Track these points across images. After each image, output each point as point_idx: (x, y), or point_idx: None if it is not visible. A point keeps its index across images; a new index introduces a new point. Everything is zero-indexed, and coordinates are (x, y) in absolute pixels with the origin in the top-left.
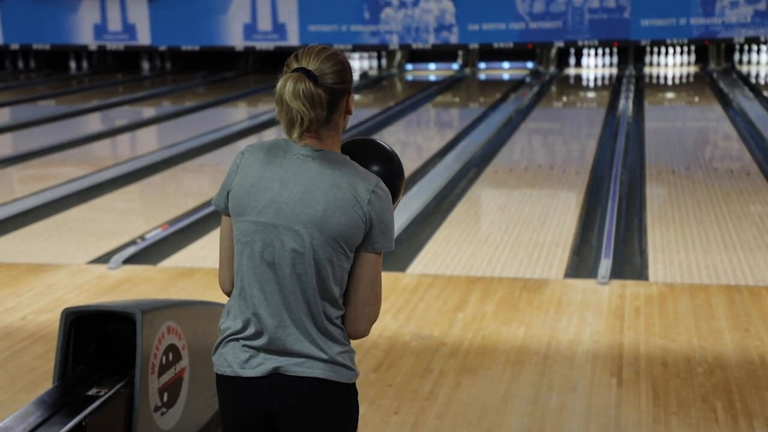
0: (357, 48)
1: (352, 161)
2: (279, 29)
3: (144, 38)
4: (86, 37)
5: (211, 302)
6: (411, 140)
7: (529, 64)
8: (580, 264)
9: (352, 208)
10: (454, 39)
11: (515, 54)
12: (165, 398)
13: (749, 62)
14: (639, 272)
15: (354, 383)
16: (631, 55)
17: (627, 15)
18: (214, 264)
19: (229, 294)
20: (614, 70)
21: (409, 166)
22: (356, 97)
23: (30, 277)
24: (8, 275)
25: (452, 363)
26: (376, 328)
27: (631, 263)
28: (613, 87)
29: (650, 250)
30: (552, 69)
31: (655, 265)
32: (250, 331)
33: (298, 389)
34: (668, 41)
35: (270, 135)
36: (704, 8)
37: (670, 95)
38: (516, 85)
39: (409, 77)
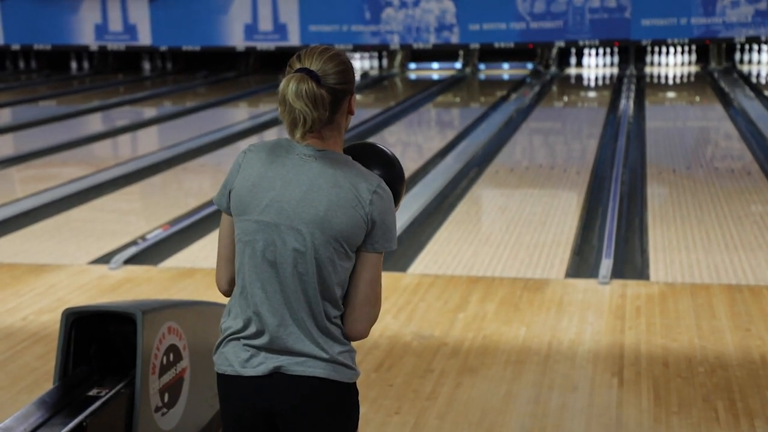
0: (358, 48)
1: (354, 161)
2: (280, 29)
3: (145, 38)
4: (87, 38)
5: (211, 302)
6: (412, 140)
7: (529, 65)
8: (581, 264)
9: (354, 208)
10: (454, 39)
11: (516, 54)
12: (166, 398)
13: (750, 62)
14: (640, 272)
15: (355, 383)
16: (631, 54)
17: (628, 15)
18: (215, 264)
19: (225, 292)
20: (615, 70)
21: (409, 166)
22: (357, 97)
23: (31, 278)
24: (9, 275)
25: (453, 363)
26: (377, 329)
27: (632, 263)
28: (614, 87)
29: (651, 249)
30: (553, 69)
31: (656, 264)
32: (251, 330)
33: (299, 388)
34: (669, 41)
35: (271, 135)
36: (705, 8)
37: (671, 95)
38: (517, 84)
39: (412, 76)
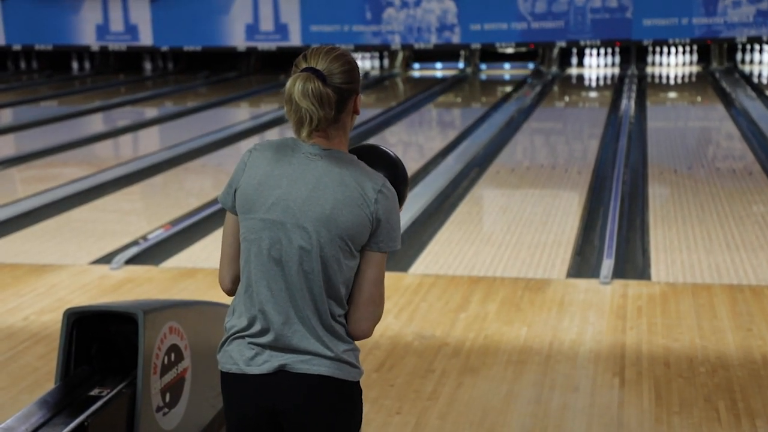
0: (359, 48)
1: (359, 161)
2: (281, 29)
3: (146, 39)
4: (88, 38)
5: (213, 302)
6: (413, 140)
7: (530, 65)
8: (583, 264)
9: (360, 207)
10: (456, 39)
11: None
12: (167, 398)
13: (751, 62)
14: (641, 272)
15: (358, 381)
16: (633, 54)
17: (629, 15)
18: (216, 264)
19: (228, 291)
20: (616, 70)
21: (411, 166)
22: None
23: (32, 278)
24: (10, 276)
25: (454, 363)
26: (378, 329)
27: (633, 263)
28: (615, 87)
29: (652, 249)
30: (554, 69)
31: (657, 264)
32: (256, 328)
33: (304, 386)
34: (670, 41)
35: (272, 135)
36: (706, 8)
37: (672, 95)
38: (518, 84)
39: (416, 75)
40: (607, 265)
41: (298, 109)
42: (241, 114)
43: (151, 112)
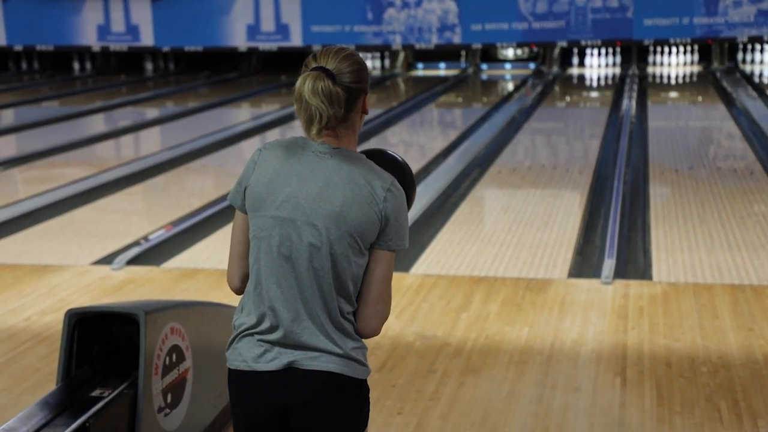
0: (360, 48)
1: (368, 159)
2: (282, 30)
3: (147, 39)
4: (89, 38)
5: (214, 303)
6: (414, 140)
7: (532, 65)
8: (584, 264)
9: (369, 204)
10: (457, 39)
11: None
12: (168, 399)
13: (752, 61)
14: (643, 272)
15: (366, 379)
16: (634, 54)
17: (630, 14)
18: (218, 265)
19: (237, 290)
20: (617, 70)
21: (412, 166)
22: None
23: (34, 278)
24: (12, 276)
25: (456, 363)
26: None
27: (634, 263)
28: (616, 86)
29: (654, 249)
30: (555, 69)
31: (658, 264)
32: (266, 325)
33: (313, 383)
34: (671, 41)
35: (273, 135)
36: (707, 7)
37: (673, 95)
38: (519, 84)
39: (420, 74)
40: (609, 265)
41: (308, 107)
42: (242, 114)
43: (152, 112)
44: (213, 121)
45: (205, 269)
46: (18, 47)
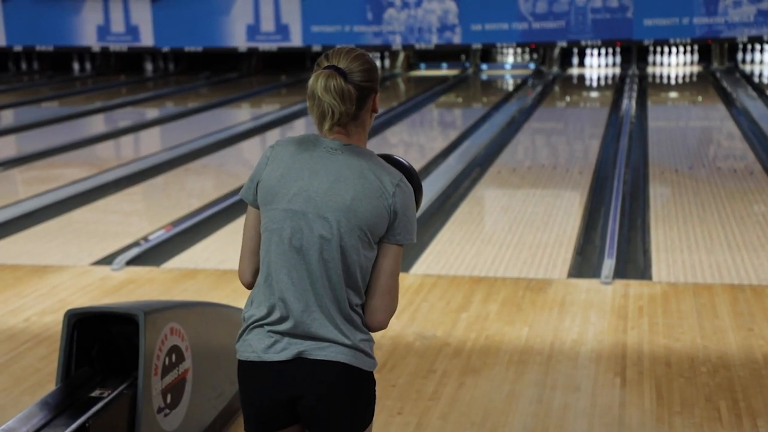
0: (360, 48)
1: (377, 156)
2: (282, 30)
3: (147, 39)
4: (89, 39)
5: (214, 303)
6: (414, 140)
7: (532, 65)
8: (584, 264)
9: (379, 198)
10: (457, 39)
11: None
12: (168, 399)
13: (752, 61)
14: (642, 272)
15: (372, 372)
16: (634, 54)
17: (630, 15)
18: (218, 265)
19: (248, 284)
20: (617, 70)
21: None
22: None
23: (34, 279)
24: (12, 276)
25: (456, 363)
26: None
27: (634, 263)
28: (616, 86)
29: (653, 249)
30: (555, 69)
31: (658, 264)
32: (276, 316)
33: (322, 373)
34: (671, 41)
35: (273, 136)
36: (707, 8)
37: (673, 95)
38: (519, 85)
39: (420, 74)
40: (608, 265)
41: (321, 104)
42: (242, 115)
43: (152, 112)
44: (213, 122)
45: (204, 270)
46: (18, 48)
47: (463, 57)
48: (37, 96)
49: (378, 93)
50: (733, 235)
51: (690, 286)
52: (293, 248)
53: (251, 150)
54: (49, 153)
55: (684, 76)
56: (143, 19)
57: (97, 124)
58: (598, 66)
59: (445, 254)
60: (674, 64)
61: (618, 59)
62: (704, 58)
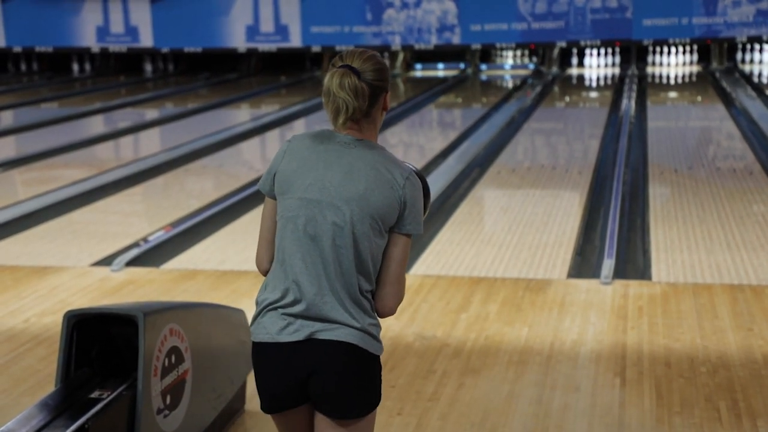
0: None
1: (388, 151)
2: (281, 31)
3: (146, 40)
4: (89, 40)
5: (214, 304)
6: (414, 141)
7: (531, 65)
8: (583, 264)
9: (390, 189)
10: (456, 40)
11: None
12: (168, 400)
13: (752, 61)
14: (642, 272)
15: (379, 356)
16: (633, 54)
17: (629, 15)
18: (218, 266)
19: (264, 272)
20: (617, 70)
21: None
22: None
23: (33, 280)
24: (11, 278)
25: (455, 363)
26: None
27: (634, 263)
28: (615, 87)
29: (653, 249)
30: (554, 69)
31: (658, 264)
32: (289, 298)
33: (332, 353)
34: (670, 41)
35: (273, 136)
36: (706, 7)
37: (672, 95)
38: (518, 85)
39: (418, 75)
40: (608, 265)
41: (336, 100)
42: (241, 115)
43: (151, 113)
44: (212, 122)
45: (204, 270)
46: (17, 48)
47: (462, 66)
48: (36, 97)
49: (389, 92)
50: (732, 235)
51: (690, 286)
52: (307, 235)
53: (251, 150)
54: (48, 154)
55: (683, 76)
56: (143, 19)
57: (96, 125)
58: (597, 66)
59: (445, 254)
60: (673, 64)
61: (617, 59)
62: (703, 58)
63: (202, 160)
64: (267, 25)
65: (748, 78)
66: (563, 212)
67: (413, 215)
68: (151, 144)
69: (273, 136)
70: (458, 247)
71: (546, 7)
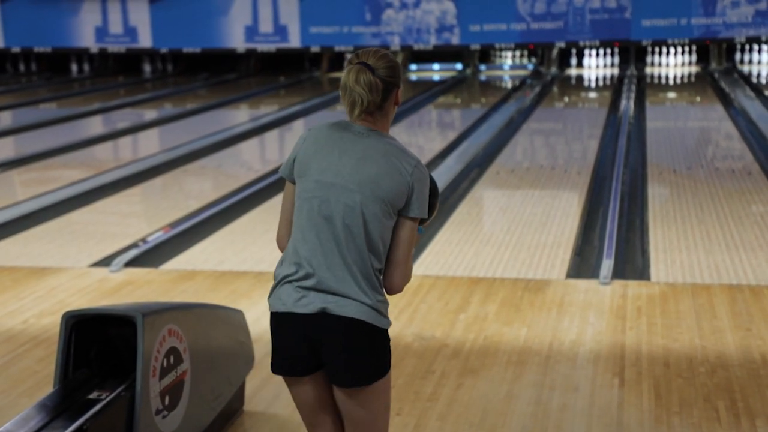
0: (358, 49)
1: (398, 141)
2: (280, 31)
3: (145, 41)
4: (87, 40)
5: (212, 305)
6: (413, 141)
7: (530, 66)
8: (582, 264)
9: (400, 176)
10: (455, 40)
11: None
12: (166, 401)
13: (750, 62)
14: (641, 272)
15: (387, 330)
16: (632, 55)
17: (628, 15)
18: (216, 266)
19: (283, 249)
20: (615, 71)
21: None
22: None
23: (32, 281)
24: (10, 278)
25: (454, 364)
26: None
27: (632, 263)
28: (614, 87)
29: (652, 249)
30: (553, 69)
31: (656, 264)
32: (303, 272)
33: (342, 326)
34: (669, 41)
35: (272, 136)
36: (705, 8)
37: (671, 95)
38: (517, 85)
39: (413, 77)
40: (607, 265)
41: (352, 94)
42: (240, 116)
43: (150, 114)
44: (211, 123)
45: (203, 271)
46: (16, 49)
47: (459, 67)
48: (35, 97)
49: (401, 88)
50: (731, 236)
51: (688, 286)
52: (321, 215)
53: (250, 151)
54: (47, 154)
55: (682, 77)
56: (141, 20)
57: (95, 126)
58: (596, 66)
59: (444, 255)
60: (672, 64)
61: (616, 60)
62: (702, 58)
63: (200, 160)
64: (266, 26)
65: (746, 78)
66: (562, 212)
67: (420, 200)
68: (149, 144)
69: (272, 137)
70: (457, 248)
71: (545, 7)
